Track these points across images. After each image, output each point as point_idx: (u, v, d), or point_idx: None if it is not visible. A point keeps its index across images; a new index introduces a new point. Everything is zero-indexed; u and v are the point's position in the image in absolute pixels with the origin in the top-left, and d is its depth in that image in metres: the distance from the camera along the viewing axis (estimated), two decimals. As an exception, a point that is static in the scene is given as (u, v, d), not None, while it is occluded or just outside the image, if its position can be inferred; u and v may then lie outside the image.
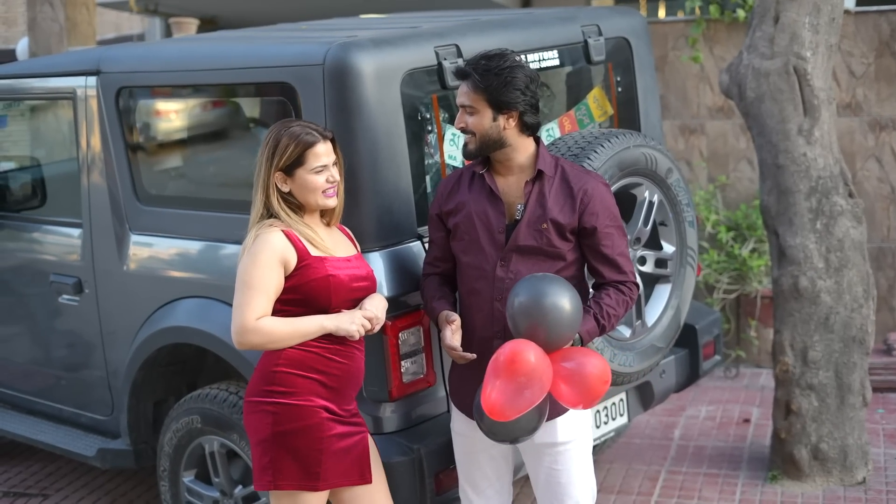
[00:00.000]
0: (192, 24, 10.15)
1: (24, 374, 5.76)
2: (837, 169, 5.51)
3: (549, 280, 3.71)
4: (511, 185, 3.93)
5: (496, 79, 3.77)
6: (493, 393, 3.62)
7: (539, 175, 3.89)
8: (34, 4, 9.22)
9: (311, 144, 3.76)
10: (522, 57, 4.54)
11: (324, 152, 3.78)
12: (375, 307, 3.87)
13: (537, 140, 3.95)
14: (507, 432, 3.79)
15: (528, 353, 3.63)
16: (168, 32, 10.66)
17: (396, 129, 4.20)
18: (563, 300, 3.67)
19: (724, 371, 7.28)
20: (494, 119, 3.81)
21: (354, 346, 3.87)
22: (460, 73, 3.88)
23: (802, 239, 5.46)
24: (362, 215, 4.15)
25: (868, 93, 7.18)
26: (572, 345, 3.80)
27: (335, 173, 3.82)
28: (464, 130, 3.88)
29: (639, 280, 4.54)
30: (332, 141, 3.83)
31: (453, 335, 3.88)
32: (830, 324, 5.48)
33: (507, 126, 3.83)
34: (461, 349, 3.87)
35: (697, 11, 7.46)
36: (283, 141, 3.75)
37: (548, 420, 3.94)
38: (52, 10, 9.11)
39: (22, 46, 10.14)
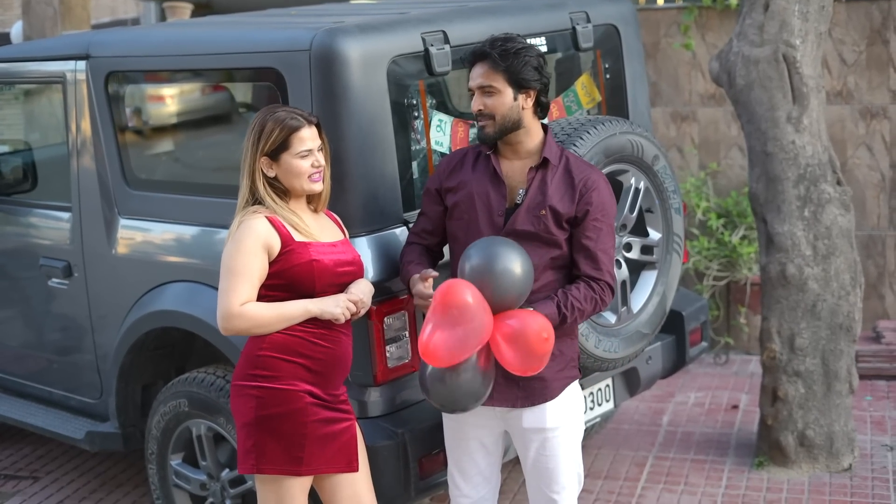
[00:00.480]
0: (187, 8, 10.13)
1: (15, 357, 5.78)
2: (826, 157, 5.52)
3: (506, 243, 3.74)
4: (515, 170, 3.94)
5: (515, 58, 3.81)
6: (430, 333, 3.60)
7: (544, 163, 3.91)
8: (29, -12, 9.21)
9: (295, 129, 3.77)
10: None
11: (309, 137, 3.80)
12: (361, 291, 3.89)
13: (544, 128, 3.98)
14: (449, 397, 3.75)
15: (462, 288, 3.62)
16: (163, 17, 10.64)
17: (382, 114, 4.21)
18: (516, 264, 3.69)
19: (713, 358, 7.30)
20: (515, 98, 3.83)
21: (341, 330, 3.88)
22: (477, 55, 3.86)
23: (790, 226, 5.47)
24: (348, 201, 4.17)
25: (859, 80, 7.19)
26: None
27: (320, 158, 3.84)
28: (481, 113, 3.86)
29: (619, 273, 4.55)
30: (318, 126, 3.85)
31: (426, 288, 3.84)
32: (817, 311, 5.50)
33: (526, 106, 3.85)
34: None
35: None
36: (268, 125, 3.77)
37: (537, 405, 3.96)
38: (47, -6, 9.08)
39: (16, 30, 10.13)
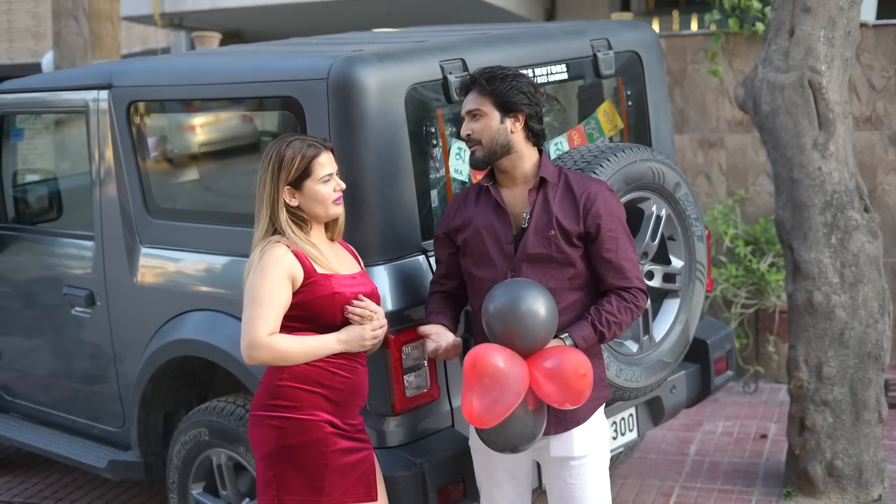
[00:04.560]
0: (215, 38, 10.20)
1: (40, 385, 5.81)
2: (853, 183, 5.46)
3: (523, 285, 3.73)
4: (517, 196, 3.94)
5: (501, 83, 3.83)
6: (471, 401, 3.65)
7: (542, 182, 3.90)
8: (59, 18, 9.29)
9: (315, 155, 3.78)
10: (529, 71, 4.57)
11: (328, 161, 3.81)
12: (382, 316, 3.88)
13: (541, 152, 3.96)
14: (504, 440, 3.78)
15: (489, 355, 3.65)
16: (192, 46, 10.72)
17: (400, 143, 4.20)
18: (538, 304, 3.68)
19: (742, 386, 7.23)
20: (502, 121, 3.84)
21: (358, 360, 3.87)
22: (465, 85, 3.91)
23: (817, 254, 5.41)
24: (366, 229, 4.16)
25: (888, 106, 7.13)
26: None
27: (341, 182, 3.84)
28: (469, 138, 3.89)
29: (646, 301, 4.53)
30: (332, 151, 3.86)
31: (433, 343, 3.92)
32: (845, 339, 5.43)
33: (514, 129, 3.85)
34: (446, 342, 3.91)
35: (713, 26, 7.43)
36: (287, 155, 3.76)
37: (564, 431, 3.94)
38: (77, 25, 9.17)
39: (47, 60, 10.23)
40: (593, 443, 3.99)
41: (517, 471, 4.07)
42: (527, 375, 3.69)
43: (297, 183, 3.78)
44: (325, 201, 3.80)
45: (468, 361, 3.66)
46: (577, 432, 3.95)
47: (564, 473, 3.98)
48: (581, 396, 3.72)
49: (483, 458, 4.08)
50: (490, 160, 3.89)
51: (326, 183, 3.80)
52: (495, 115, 3.84)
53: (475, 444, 4.08)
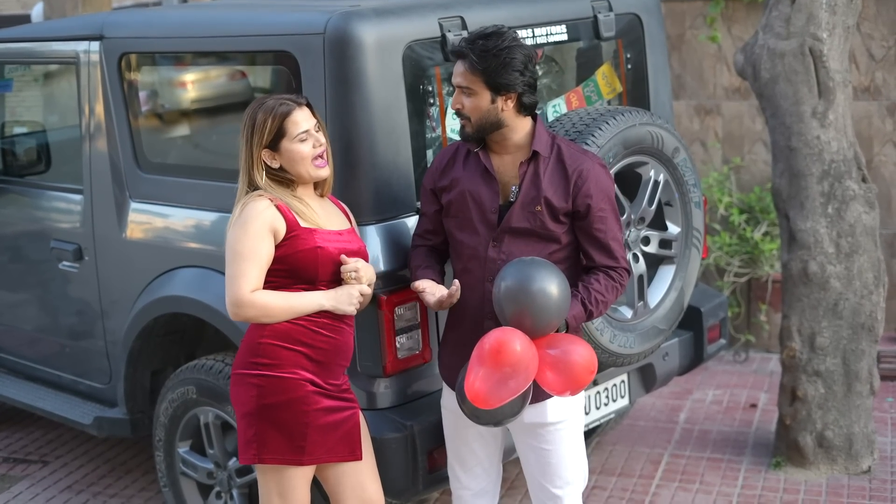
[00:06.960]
0: (208, -8, 10.07)
1: (25, 340, 5.75)
2: (851, 153, 5.41)
3: (537, 264, 3.63)
4: (506, 164, 3.84)
5: (494, 60, 3.66)
6: (476, 381, 3.56)
7: (534, 156, 3.80)
8: (49, -31, 9.17)
9: (287, 113, 3.71)
10: (529, 31, 4.49)
11: (302, 118, 3.73)
12: (369, 278, 3.81)
13: (534, 118, 3.86)
14: (491, 417, 3.72)
15: (514, 342, 3.55)
16: (184, 1, 10.59)
17: (397, 101, 4.13)
18: (552, 286, 3.58)
19: (733, 355, 7.20)
20: (493, 101, 3.71)
21: (344, 321, 3.82)
22: (457, 52, 3.77)
23: (813, 223, 5.37)
24: (360, 188, 4.10)
25: (888, 77, 7.06)
26: (557, 330, 3.72)
27: (320, 138, 3.76)
28: (459, 113, 3.78)
29: (636, 267, 4.47)
30: (309, 106, 3.78)
31: (433, 296, 3.80)
32: (839, 310, 5.39)
33: (506, 108, 3.73)
34: (441, 293, 3.79)
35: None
36: (259, 117, 3.70)
37: (537, 402, 3.87)
38: (68, -24, 9.04)
39: (37, 12, 10.09)
40: (567, 409, 3.94)
41: (486, 431, 4.02)
42: (537, 364, 3.61)
43: (274, 144, 3.72)
44: (304, 160, 3.73)
45: (492, 347, 3.54)
46: (550, 401, 3.90)
47: (539, 439, 3.94)
48: (581, 388, 3.67)
49: (452, 417, 4.03)
50: (480, 136, 3.80)
51: (304, 142, 3.72)
52: (486, 95, 3.70)
53: (446, 402, 4.05)
